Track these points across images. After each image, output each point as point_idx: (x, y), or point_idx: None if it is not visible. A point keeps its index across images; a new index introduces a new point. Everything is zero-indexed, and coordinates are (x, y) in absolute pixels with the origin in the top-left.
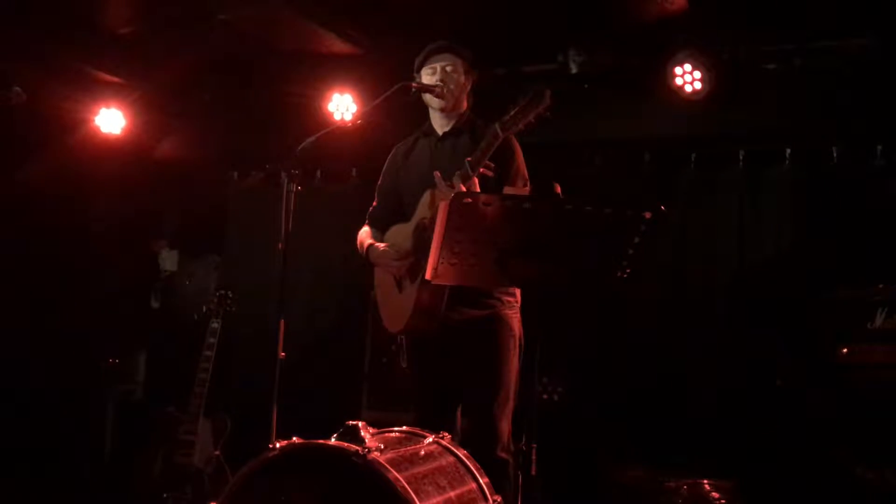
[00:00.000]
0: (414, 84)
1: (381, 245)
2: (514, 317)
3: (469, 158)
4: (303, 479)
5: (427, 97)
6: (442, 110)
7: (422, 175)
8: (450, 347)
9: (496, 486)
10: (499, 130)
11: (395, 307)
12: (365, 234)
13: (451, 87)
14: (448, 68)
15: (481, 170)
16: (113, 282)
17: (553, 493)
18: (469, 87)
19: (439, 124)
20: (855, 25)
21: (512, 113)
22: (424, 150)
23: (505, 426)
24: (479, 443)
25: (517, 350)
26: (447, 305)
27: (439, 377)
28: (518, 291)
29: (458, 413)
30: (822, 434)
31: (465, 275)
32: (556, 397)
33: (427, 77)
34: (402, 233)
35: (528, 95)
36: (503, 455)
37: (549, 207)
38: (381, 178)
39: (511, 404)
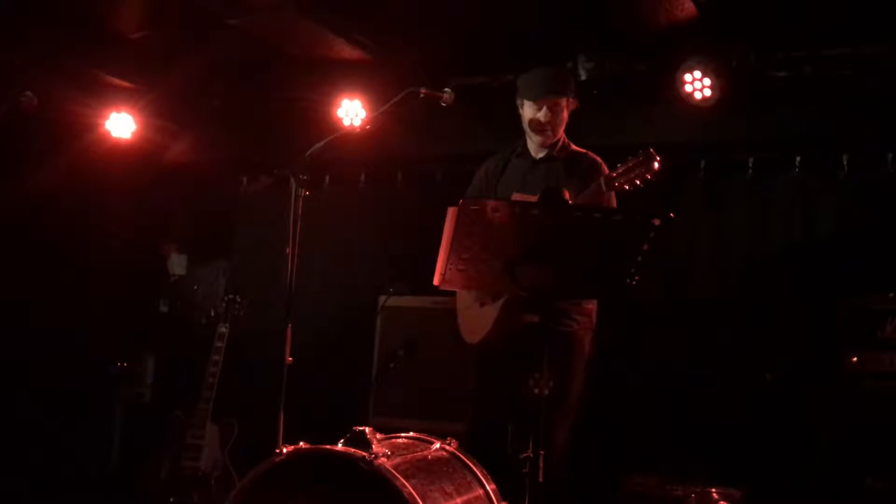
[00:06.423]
0: (422, 91)
1: None
2: (587, 337)
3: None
4: (309, 485)
5: (528, 130)
6: (541, 144)
7: (513, 195)
8: (524, 360)
9: None
10: (603, 187)
11: (474, 320)
12: None
13: (555, 124)
14: (555, 108)
15: None
16: (121, 286)
17: (560, 499)
18: (568, 116)
19: (534, 149)
20: (866, 32)
21: (620, 171)
22: (517, 172)
23: (560, 437)
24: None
25: (586, 372)
26: (526, 322)
27: (504, 383)
28: (594, 311)
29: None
30: (829, 441)
31: (473, 281)
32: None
33: (530, 109)
34: None
35: (638, 157)
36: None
37: (558, 214)
38: (471, 189)
39: (571, 419)
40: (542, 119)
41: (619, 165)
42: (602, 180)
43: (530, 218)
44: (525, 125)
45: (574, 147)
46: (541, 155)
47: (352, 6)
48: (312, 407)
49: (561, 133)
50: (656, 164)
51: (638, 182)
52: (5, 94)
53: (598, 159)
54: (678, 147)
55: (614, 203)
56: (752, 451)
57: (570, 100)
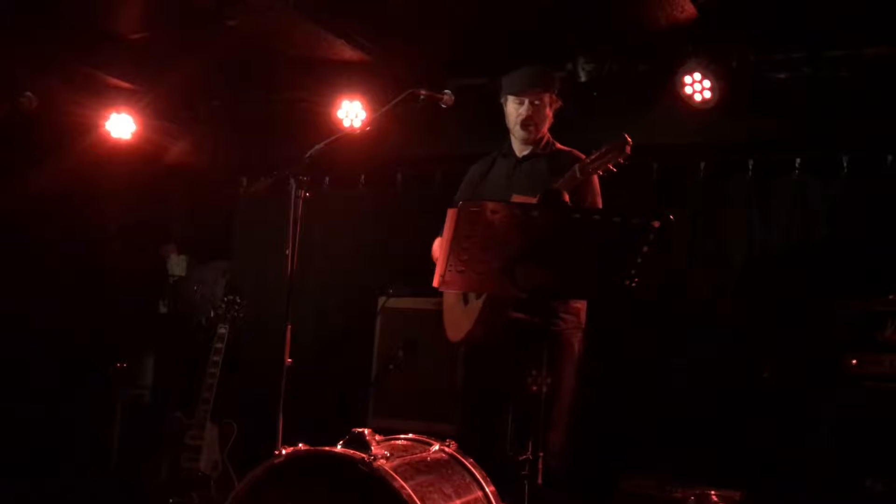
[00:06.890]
0: (423, 92)
1: None
2: (576, 336)
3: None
4: (308, 486)
5: (512, 127)
6: (524, 141)
7: (498, 194)
8: (510, 357)
9: None
10: (577, 173)
11: (458, 318)
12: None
13: (537, 121)
14: (536, 102)
15: None
16: (121, 286)
17: (558, 500)
18: (552, 115)
19: (518, 147)
20: (865, 33)
21: (593, 157)
22: (502, 171)
23: (554, 438)
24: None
25: (576, 373)
26: (511, 319)
27: (494, 383)
28: (582, 310)
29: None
30: (829, 441)
31: (472, 282)
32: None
33: (513, 105)
34: None
35: (611, 142)
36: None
37: (557, 216)
38: (458, 193)
39: (565, 420)
40: (523, 114)
41: (593, 151)
42: (577, 167)
43: (530, 219)
44: (508, 123)
45: (559, 145)
46: (524, 153)
47: (352, 7)
48: (312, 408)
49: (545, 131)
50: (628, 149)
51: (611, 167)
52: (5, 94)
53: (582, 156)
54: (678, 148)
55: (596, 187)
56: (752, 451)
57: (553, 97)
